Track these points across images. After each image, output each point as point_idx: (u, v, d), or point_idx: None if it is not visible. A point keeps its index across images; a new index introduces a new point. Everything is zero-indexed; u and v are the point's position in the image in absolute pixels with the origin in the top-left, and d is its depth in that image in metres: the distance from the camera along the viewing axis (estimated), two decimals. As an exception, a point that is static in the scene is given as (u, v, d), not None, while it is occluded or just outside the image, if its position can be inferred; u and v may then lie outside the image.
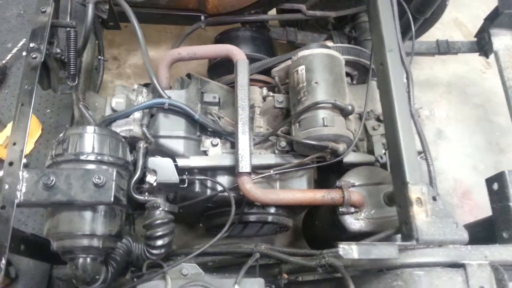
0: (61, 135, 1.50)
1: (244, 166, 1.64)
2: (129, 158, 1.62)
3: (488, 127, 3.00)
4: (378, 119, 2.00)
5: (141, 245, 1.73)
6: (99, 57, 2.28)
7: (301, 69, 1.81)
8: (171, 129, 1.77)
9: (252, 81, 2.05)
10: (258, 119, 1.99)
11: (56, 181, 1.34)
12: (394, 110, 1.56)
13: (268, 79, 2.09)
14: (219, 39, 2.28)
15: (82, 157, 1.43)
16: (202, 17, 2.36)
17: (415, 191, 1.43)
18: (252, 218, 1.86)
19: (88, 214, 1.39)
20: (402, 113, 1.56)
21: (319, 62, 1.80)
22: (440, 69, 3.16)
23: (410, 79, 1.64)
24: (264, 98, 2.01)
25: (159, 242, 1.70)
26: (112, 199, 1.35)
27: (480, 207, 2.78)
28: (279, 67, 1.94)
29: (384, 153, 1.95)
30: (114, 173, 1.38)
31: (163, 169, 1.69)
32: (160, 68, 1.91)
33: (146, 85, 1.97)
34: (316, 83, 1.76)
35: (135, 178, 1.70)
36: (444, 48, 2.70)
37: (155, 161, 1.70)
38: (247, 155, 1.65)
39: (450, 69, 3.17)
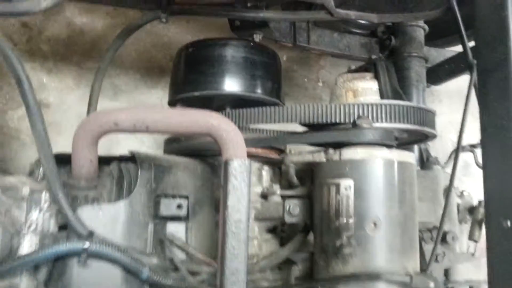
0: None
1: None
2: None
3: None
4: (444, 240, 1.21)
5: None
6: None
7: (347, 186, 0.94)
8: (94, 294, 0.89)
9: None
10: (252, 225, 1.14)
11: None
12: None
13: (272, 154, 1.19)
14: (189, 57, 1.29)
15: None
16: (163, 1, 1.33)
17: None
18: None
19: None
20: None
21: (382, 180, 0.93)
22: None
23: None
24: (264, 196, 1.14)
25: None
26: None
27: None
28: (299, 158, 1.05)
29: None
30: None
31: None
32: (78, 149, 0.95)
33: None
34: (375, 224, 0.91)
35: None
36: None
37: None
38: None
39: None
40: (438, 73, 1.66)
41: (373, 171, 0.93)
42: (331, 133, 1.02)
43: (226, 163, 0.91)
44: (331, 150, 0.98)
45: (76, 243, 0.84)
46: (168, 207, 1.00)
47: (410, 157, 0.99)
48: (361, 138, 0.98)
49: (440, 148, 2.37)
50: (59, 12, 1.86)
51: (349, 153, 0.95)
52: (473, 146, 1.25)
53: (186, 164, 1.09)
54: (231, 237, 0.88)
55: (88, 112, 1.43)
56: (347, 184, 0.94)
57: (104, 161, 1.03)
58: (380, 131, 0.99)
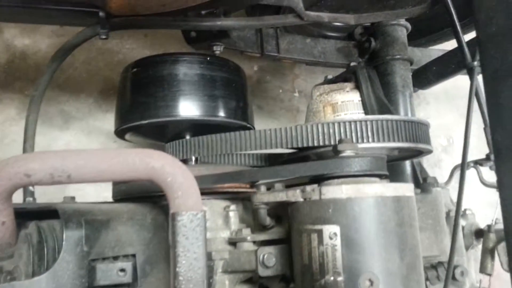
0: None
1: None
2: None
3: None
4: (452, 276, 1.01)
5: None
6: None
7: (331, 233, 0.72)
8: None
9: (206, 194, 0.95)
10: (220, 278, 0.92)
11: None
12: None
13: (241, 186, 0.98)
14: (134, 78, 1.07)
15: None
16: (101, 14, 1.11)
17: None
18: None
19: None
20: None
21: (375, 224, 0.72)
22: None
23: None
24: (233, 243, 0.92)
25: None
26: None
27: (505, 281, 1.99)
28: (270, 197, 0.83)
29: None
30: None
31: None
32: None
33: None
34: (371, 282, 0.70)
35: None
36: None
37: None
38: None
39: (475, 73, 2.16)
40: (426, 76, 1.47)
41: (364, 213, 0.72)
42: (308, 165, 0.81)
43: (174, 218, 0.69)
44: (308, 188, 0.76)
45: None
46: (106, 273, 0.77)
47: (408, 189, 0.78)
48: (346, 170, 0.77)
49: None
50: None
51: (331, 191, 0.74)
52: (477, 163, 1.06)
53: (131, 213, 0.87)
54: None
55: (24, 150, 1.20)
56: (331, 231, 0.72)
57: (24, 216, 0.81)
58: (369, 160, 0.78)
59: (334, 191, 0.74)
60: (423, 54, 1.62)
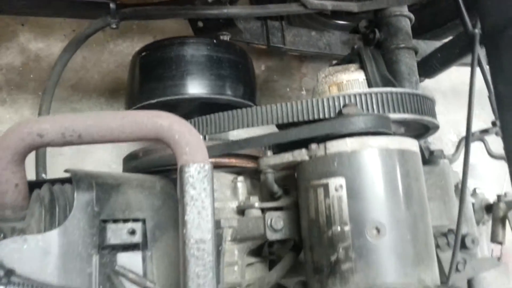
0: None
1: None
2: None
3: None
4: (463, 245, 1.00)
5: None
6: None
7: (337, 185, 0.74)
8: None
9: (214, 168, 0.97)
10: (230, 247, 0.93)
11: None
12: None
13: (248, 163, 1.00)
14: (143, 61, 1.12)
15: None
16: (111, 5, 1.16)
17: None
18: None
19: None
20: None
21: (380, 174, 0.74)
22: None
23: None
24: (241, 211, 0.94)
25: None
26: None
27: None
28: (276, 160, 0.85)
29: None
30: None
31: None
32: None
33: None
34: (378, 230, 0.71)
35: None
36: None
37: None
38: None
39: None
40: (432, 64, 1.48)
41: (369, 164, 0.73)
42: (312, 126, 0.83)
43: (181, 170, 0.71)
44: (313, 145, 0.78)
45: (-15, 288, 0.63)
46: (117, 233, 0.79)
47: (413, 144, 0.79)
48: (350, 128, 0.78)
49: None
50: (11, 39, 1.70)
51: (336, 146, 0.75)
52: (484, 132, 1.06)
53: (141, 181, 0.89)
54: (194, 262, 0.68)
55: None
56: (337, 183, 0.73)
57: (37, 186, 0.84)
58: (373, 117, 0.80)
59: (339, 145, 0.75)
60: (428, 46, 1.64)
